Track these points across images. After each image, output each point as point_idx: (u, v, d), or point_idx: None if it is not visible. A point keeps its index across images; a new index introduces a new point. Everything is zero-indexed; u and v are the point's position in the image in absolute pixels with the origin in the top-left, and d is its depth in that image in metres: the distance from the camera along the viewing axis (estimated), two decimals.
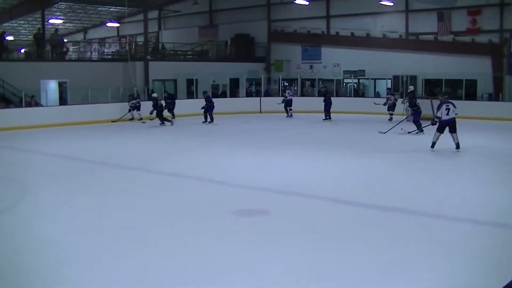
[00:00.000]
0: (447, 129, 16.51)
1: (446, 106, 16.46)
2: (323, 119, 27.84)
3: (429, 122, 17.63)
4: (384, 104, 26.83)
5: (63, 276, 7.04)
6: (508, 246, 8.24)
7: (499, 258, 7.64)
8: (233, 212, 10.00)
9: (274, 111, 31.09)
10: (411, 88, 27.05)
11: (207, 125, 25.97)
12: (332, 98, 28.45)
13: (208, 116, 26.55)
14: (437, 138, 16.74)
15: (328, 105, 28.04)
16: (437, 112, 16.75)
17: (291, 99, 30.71)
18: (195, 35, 43.49)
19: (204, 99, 26.94)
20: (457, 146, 16.60)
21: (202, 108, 26.58)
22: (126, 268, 7.26)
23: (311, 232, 8.85)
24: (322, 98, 28.38)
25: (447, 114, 16.39)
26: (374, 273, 7.01)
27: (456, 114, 16.48)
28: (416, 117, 21.68)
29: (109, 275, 7.05)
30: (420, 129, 20.98)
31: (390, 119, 26.40)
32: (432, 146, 16.76)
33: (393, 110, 27.21)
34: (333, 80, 35.40)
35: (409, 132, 20.55)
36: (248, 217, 9.81)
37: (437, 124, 16.76)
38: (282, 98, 30.87)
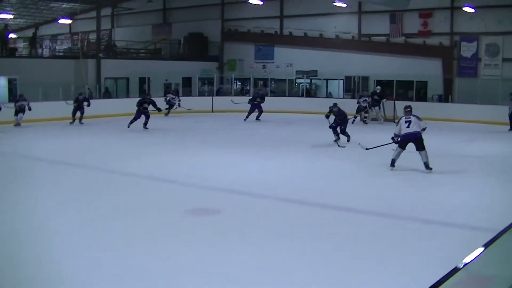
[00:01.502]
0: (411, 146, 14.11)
1: (406, 118, 14.04)
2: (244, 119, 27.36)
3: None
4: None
5: (15, 275, 6.89)
6: (458, 245, 8.04)
7: (449, 256, 7.46)
8: (186, 211, 9.90)
9: (226, 110, 30.60)
10: (378, 88, 27.20)
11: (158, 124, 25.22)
12: (284, 98, 28.28)
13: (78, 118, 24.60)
14: (398, 155, 14.14)
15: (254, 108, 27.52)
16: (395, 129, 14.30)
17: (173, 104, 29.60)
18: (149, 33, 42.67)
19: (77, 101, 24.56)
20: (427, 167, 13.85)
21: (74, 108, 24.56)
22: (80, 267, 7.11)
23: (262, 231, 8.78)
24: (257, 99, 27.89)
25: (408, 127, 13.86)
26: (325, 272, 7.02)
27: (422, 129, 13.93)
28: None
29: (61, 273, 6.92)
30: (337, 135, 19.01)
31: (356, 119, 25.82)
32: (392, 164, 14.20)
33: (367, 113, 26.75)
34: (285, 80, 35.18)
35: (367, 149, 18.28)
36: (200, 216, 9.71)
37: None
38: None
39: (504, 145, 19.72)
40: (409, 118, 14.07)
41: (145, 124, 23.01)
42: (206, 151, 17.51)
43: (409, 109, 14.47)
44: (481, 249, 2.48)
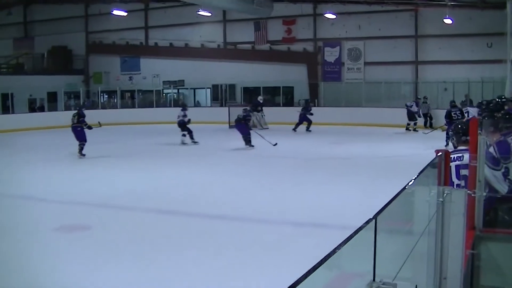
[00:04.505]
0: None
1: None
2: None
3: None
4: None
5: None
6: (331, 244, 7.04)
7: (320, 257, 6.44)
8: (55, 228, 8.96)
9: (93, 124, 28.65)
10: (261, 98, 26.19)
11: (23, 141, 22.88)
12: (151, 109, 27.30)
13: None
14: None
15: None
16: None
17: None
18: (10, 47, 39.27)
19: None
20: None
21: None
22: None
23: (135, 244, 8.15)
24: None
25: None
26: (201, 281, 6.67)
27: None
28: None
29: None
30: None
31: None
32: None
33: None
34: (152, 91, 33.58)
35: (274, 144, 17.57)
36: (70, 233, 8.84)
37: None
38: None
39: (368, 146, 19.34)
40: None
41: None
42: (73, 166, 16.06)
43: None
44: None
